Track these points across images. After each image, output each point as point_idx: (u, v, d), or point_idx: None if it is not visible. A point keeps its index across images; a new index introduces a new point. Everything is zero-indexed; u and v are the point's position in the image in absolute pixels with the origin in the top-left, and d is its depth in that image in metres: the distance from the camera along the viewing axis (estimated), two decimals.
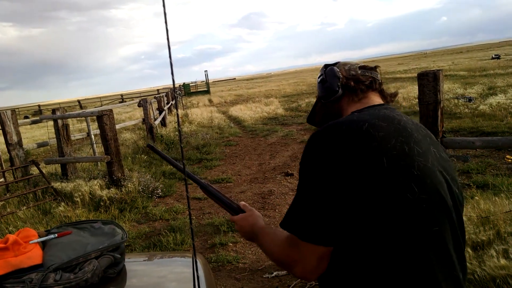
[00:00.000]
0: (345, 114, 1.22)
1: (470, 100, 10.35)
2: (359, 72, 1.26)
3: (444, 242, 0.98)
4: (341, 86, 1.24)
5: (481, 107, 9.79)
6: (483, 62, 30.23)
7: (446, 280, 0.96)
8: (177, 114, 0.77)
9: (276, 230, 1.21)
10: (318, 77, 1.34)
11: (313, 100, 17.49)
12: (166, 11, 0.78)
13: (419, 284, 0.94)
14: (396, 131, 1.01)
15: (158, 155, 1.42)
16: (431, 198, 0.96)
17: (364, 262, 0.95)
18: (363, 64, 1.30)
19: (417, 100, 3.51)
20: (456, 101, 10.62)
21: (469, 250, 2.89)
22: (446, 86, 13.60)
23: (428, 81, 3.25)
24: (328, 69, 1.29)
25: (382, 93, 1.27)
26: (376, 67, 1.30)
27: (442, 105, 3.34)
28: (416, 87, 3.55)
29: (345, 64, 1.31)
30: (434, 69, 3.41)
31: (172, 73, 0.73)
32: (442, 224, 0.98)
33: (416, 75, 3.60)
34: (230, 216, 1.42)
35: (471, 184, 4.88)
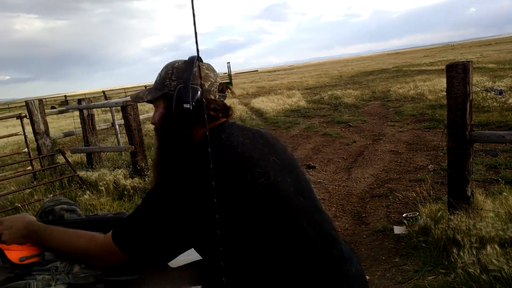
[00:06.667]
0: (195, 136, 1.15)
1: (500, 93, 9.98)
2: (218, 97, 1.19)
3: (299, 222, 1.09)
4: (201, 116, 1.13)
5: (510, 100, 9.49)
6: None
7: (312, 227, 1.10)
8: (203, 104, 0.75)
9: (67, 229, 1.26)
10: (167, 80, 1.14)
11: (336, 92, 17.24)
12: (188, 3, 0.77)
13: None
14: (237, 161, 1.07)
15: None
16: (279, 210, 1.06)
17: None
18: (222, 84, 1.22)
19: (443, 93, 3.43)
20: (483, 94, 10.30)
21: (496, 246, 2.81)
22: (474, 79, 13.18)
23: (457, 72, 3.16)
24: (190, 88, 1.09)
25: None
26: (227, 87, 1.24)
27: (471, 97, 3.25)
28: (443, 79, 3.47)
29: (207, 78, 1.16)
30: (462, 60, 3.32)
31: (198, 58, 0.72)
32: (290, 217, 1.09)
33: (442, 67, 3.51)
34: None
35: (499, 179, 4.74)
